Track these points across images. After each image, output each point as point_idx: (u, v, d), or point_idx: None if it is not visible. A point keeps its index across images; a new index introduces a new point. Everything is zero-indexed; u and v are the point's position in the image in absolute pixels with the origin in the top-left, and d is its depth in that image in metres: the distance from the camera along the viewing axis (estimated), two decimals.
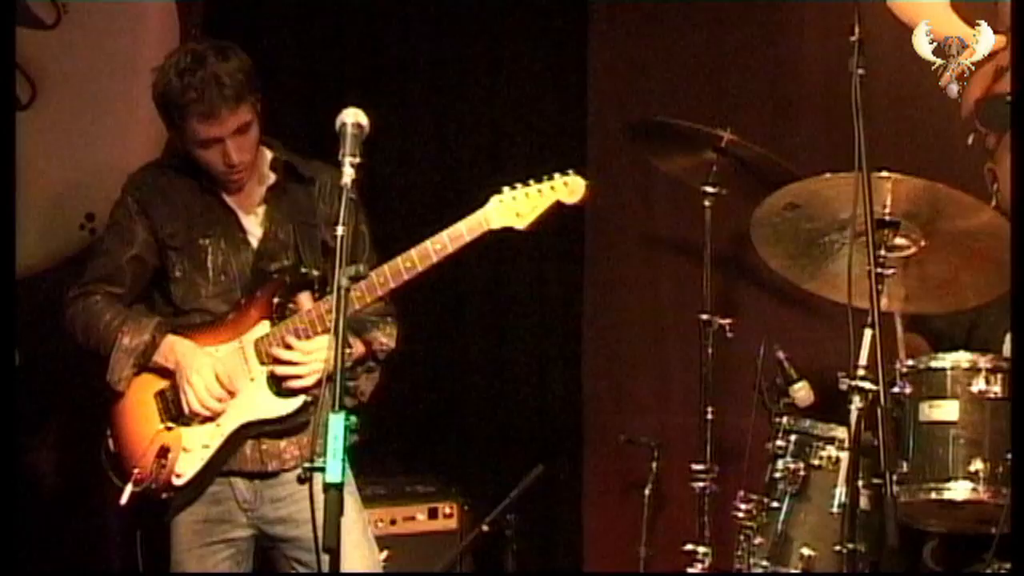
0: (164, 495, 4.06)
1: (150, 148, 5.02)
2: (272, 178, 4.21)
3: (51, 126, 5.38)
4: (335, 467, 3.30)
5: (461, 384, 6.00)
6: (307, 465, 3.45)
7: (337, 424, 3.32)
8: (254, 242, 4.19)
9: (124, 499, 4.02)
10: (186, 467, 4.06)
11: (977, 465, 4.11)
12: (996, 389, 4.15)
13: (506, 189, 4.01)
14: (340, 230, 3.47)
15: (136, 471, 4.04)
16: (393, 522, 5.16)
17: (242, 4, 5.71)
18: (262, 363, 4.09)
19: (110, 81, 5.45)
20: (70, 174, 5.39)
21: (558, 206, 4.01)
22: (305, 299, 4.13)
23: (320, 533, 3.34)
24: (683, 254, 5.35)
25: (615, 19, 5.85)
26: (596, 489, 5.80)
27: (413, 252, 3.96)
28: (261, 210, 4.21)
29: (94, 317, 4.14)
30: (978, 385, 4.16)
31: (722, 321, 4.88)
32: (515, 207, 3.99)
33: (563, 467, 5.68)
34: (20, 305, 4.17)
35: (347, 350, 4.02)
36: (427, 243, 3.96)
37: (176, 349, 4.10)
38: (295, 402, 4.08)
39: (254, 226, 4.21)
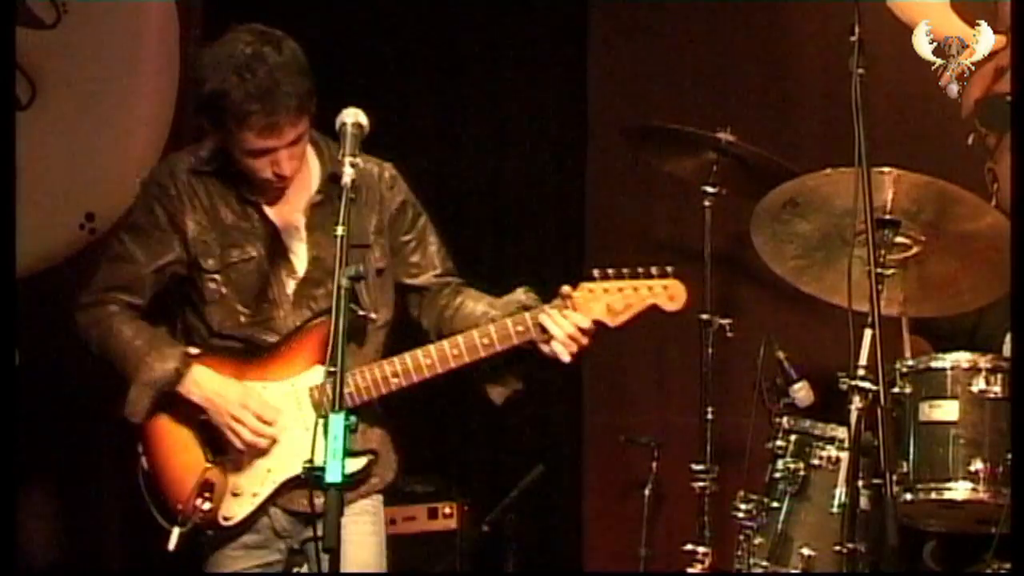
0: (209, 532, 3.86)
1: (150, 148, 5.02)
2: (318, 195, 3.90)
3: (51, 126, 5.37)
4: (335, 467, 3.29)
5: (461, 384, 5.98)
6: (307, 465, 3.44)
7: (337, 424, 3.31)
8: (296, 262, 3.89)
9: (172, 544, 3.80)
10: (236, 510, 3.86)
11: (977, 465, 4.11)
12: (996, 389, 4.16)
13: (596, 274, 3.82)
14: (340, 230, 3.41)
15: (180, 516, 3.80)
16: (393, 522, 5.12)
17: (242, 4, 5.69)
18: (317, 414, 3.79)
19: (110, 81, 5.44)
20: (70, 174, 5.37)
21: (653, 308, 3.82)
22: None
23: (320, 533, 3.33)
24: (683, 254, 5.34)
25: (615, 20, 5.85)
26: (596, 489, 5.79)
27: (491, 329, 3.85)
28: (303, 224, 3.90)
29: (112, 332, 3.86)
30: (978, 385, 4.16)
31: (722, 321, 4.88)
32: (607, 300, 3.80)
33: (563, 467, 5.68)
34: (20, 305, 4.16)
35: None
36: (507, 321, 3.86)
37: (204, 384, 3.82)
38: (358, 463, 3.82)
39: (296, 242, 3.90)
